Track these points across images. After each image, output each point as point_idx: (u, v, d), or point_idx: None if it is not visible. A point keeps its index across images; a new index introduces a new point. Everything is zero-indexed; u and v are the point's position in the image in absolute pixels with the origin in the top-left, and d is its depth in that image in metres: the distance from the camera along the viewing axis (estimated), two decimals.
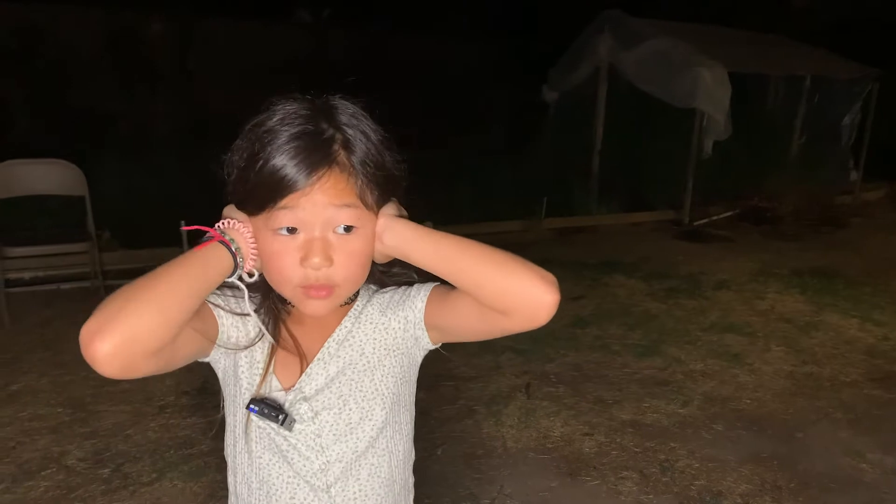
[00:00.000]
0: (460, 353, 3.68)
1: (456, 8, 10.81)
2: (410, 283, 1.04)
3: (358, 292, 1.03)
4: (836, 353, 4.02)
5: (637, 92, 7.16)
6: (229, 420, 1.02)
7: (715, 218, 7.49)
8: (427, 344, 1.03)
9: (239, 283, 0.91)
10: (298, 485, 0.98)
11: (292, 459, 0.98)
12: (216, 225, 0.91)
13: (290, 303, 0.98)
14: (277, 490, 0.98)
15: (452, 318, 0.98)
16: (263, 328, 0.96)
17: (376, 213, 0.93)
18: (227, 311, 0.96)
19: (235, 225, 0.91)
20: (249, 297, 0.92)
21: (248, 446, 0.99)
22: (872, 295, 5.05)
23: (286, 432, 0.97)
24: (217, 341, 0.95)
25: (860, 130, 8.71)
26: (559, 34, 8.20)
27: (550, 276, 0.87)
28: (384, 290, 1.05)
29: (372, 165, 0.91)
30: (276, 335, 0.98)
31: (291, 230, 0.89)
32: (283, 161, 0.86)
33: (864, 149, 8.76)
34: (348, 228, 0.90)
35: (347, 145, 0.89)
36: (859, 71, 8.35)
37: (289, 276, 0.90)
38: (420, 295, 1.01)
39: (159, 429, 2.97)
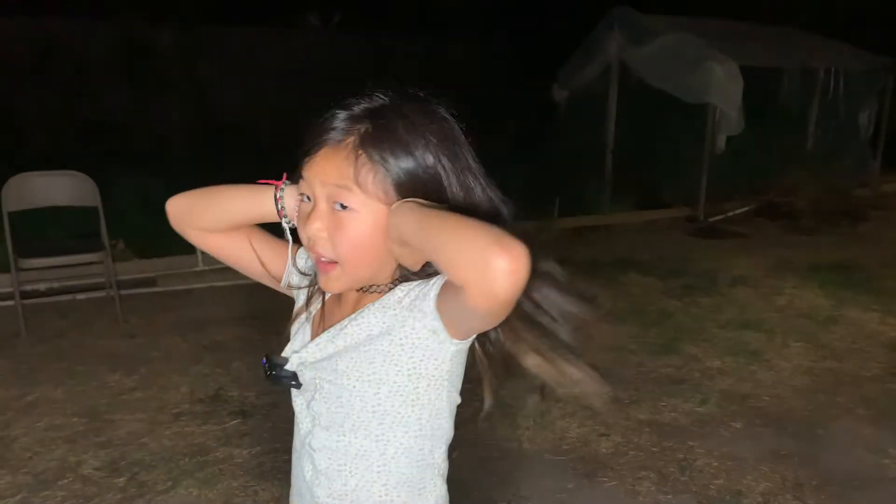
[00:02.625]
0: (472, 355, 3.65)
1: (465, 9, 10.81)
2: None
3: (395, 285, 1.00)
4: (856, 348, 3.96)
5: (648, 88, 7.10)
6: None
7: (730, 214, 7.42)
8: (445, 337, 0.95)
9: (285, 225, 1.08)
10: (297, 433, 1.12)
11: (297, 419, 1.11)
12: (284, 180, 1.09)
13: None
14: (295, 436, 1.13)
15: (452, 307, 0.91)
16: (292, 261, 1.14)
17: (387, 207, 0.92)
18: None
19: (290, 186, 1.06)
20: (288, 239, 1.09)
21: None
22: (893, 288, 4.96)
23: (294, 390, 1.10)
24: (277, 273, 1.17)
25: (877, 122, 8.59)
26: (569, 33, 8.16)
27: (511, 242, 0.73)
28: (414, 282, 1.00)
29: (391, 159, 0.92)
30: (311, 296, 1.13)
31: (307, 198, 0.98)
32: (309, 133, 0.97)
33: (881, 141, 8.65)
34: (344, 207, 0.94)
35: (367, 132, 0.92)
36: (874, 62, 8.25)
37: (304, 238, 1.00)
38: (436, 283, 0.94)
39: (174, 436, 2.97)
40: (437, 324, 0.94)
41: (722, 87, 6.56)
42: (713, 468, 2.78)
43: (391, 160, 0.92)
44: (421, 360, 0.98)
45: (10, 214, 4.01)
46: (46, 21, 8.40)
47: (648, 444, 2.95)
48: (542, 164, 7.81)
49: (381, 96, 0.96)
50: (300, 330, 1.11)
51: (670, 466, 2.79)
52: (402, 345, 0.97)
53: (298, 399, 1.10)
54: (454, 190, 0.96)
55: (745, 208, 7.57)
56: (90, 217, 4.25)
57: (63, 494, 2.58)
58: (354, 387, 1.00)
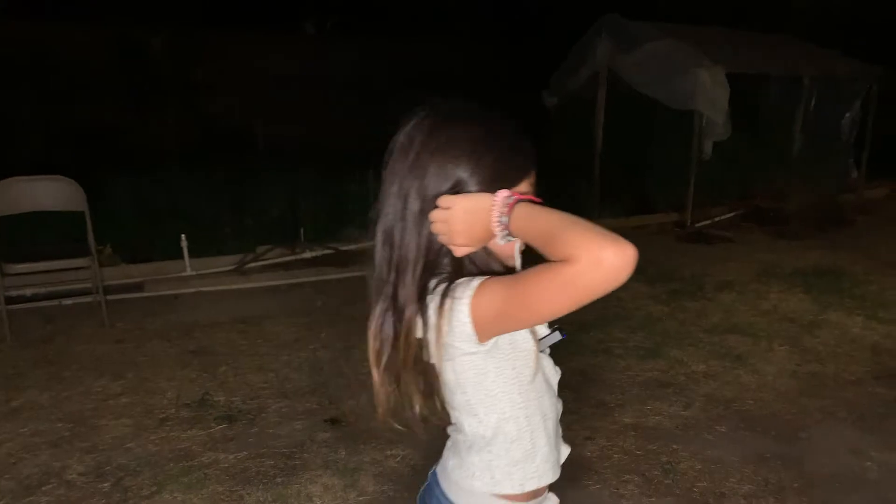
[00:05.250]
0: None
1: (457, 16, 10.86)
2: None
3: None
4: (840, 352, 3.99)
5: (637, 95, 7.14)
6: (514, 367, 1.10)
7: (717, 219, 7.46)
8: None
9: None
10: (550, 394, 1.17)
11: (548, 376, 1.17)
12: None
13: None
14: (544, 406, 1.15)
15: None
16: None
17: None
18: None
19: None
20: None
21: (535, 378, 1.13)
22: (877, 293, 5.01)
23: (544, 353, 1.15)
24: None
25: (862, 128, 8.67)
26: (559, 39, 8.21)
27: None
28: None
29: None
30: None
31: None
32: (525, 152, 1.13)
33: (866, 147, 8.72)
34: None
35: None
36: (859, 69, 8.33)
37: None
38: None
39: (159, 441, 2.97)
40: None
41: (708, 94, 6.60)
42: (697, 471, 2.80)
43: None
44: None
45: None
46: (40, 25, 8.37)
47: (633, 447, 2.97)
48: None
49: None
50: None
51: (654, 469, 2.81)
52: None
53: (544, 359, 1.16)
54: None
55: (732, 214, 7.62)
56: (77, 222, 4.24)
57: (47, 500, 2.57)
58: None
